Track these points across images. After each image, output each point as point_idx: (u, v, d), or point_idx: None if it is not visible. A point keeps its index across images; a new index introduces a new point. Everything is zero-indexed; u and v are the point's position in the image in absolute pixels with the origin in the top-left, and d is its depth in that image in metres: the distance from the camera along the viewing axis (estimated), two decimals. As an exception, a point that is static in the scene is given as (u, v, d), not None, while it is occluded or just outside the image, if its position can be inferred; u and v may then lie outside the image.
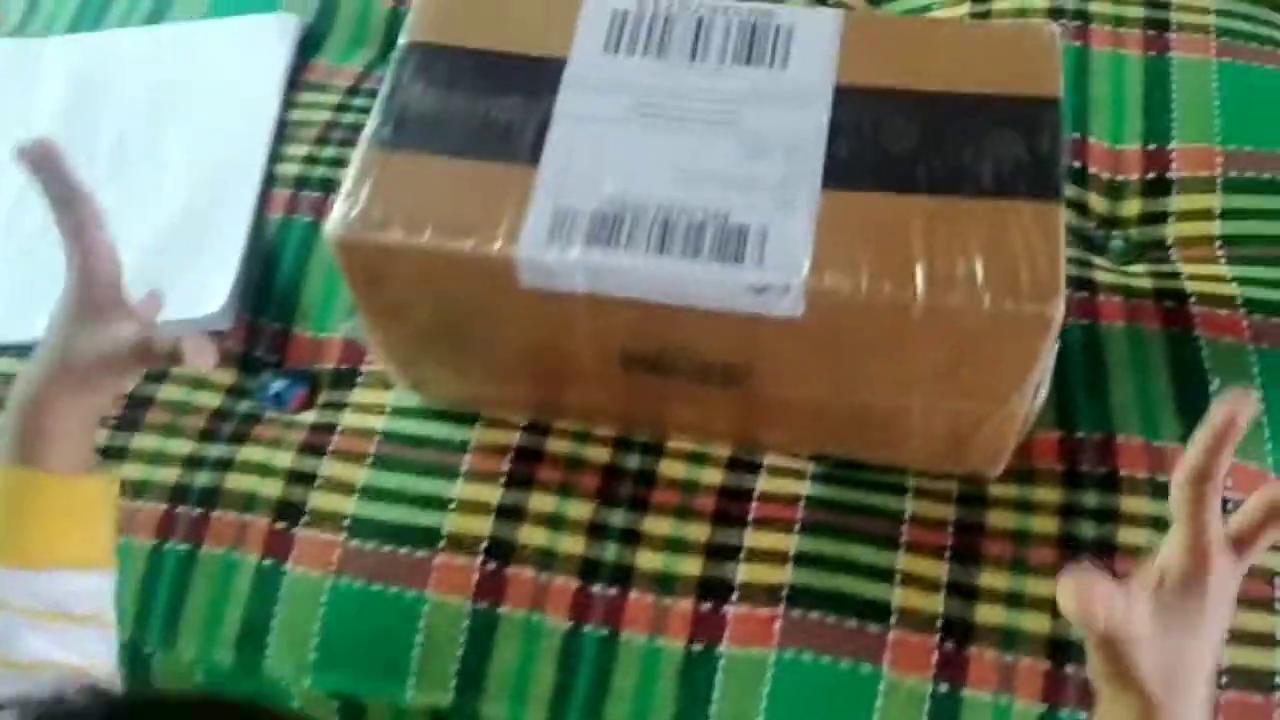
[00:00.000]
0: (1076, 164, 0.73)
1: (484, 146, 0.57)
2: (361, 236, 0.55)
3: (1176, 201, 0.72)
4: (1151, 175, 0.72)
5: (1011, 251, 0.51)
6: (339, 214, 0.55)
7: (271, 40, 0.83)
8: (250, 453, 0.67)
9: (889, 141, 0.55)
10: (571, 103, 0.58)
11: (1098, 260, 0.70)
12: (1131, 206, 0.72)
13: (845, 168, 0.55)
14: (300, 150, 0.78)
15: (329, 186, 0.75)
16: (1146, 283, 0.69)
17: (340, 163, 0.76)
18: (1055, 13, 0.79)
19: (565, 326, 0.57)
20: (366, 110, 0.77)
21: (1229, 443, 0.43)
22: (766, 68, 0.58)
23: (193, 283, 0.70)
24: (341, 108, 0.80)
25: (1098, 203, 0.73)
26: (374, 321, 0.61)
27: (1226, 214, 0.70)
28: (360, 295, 0.59)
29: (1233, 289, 0.67)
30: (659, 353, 0.58)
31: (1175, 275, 0.69)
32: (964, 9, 0.81)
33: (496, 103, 0.58)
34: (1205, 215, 0.71)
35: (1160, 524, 0.56)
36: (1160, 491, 0.60)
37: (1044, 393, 0.57)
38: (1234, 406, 0.43)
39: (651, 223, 0.54)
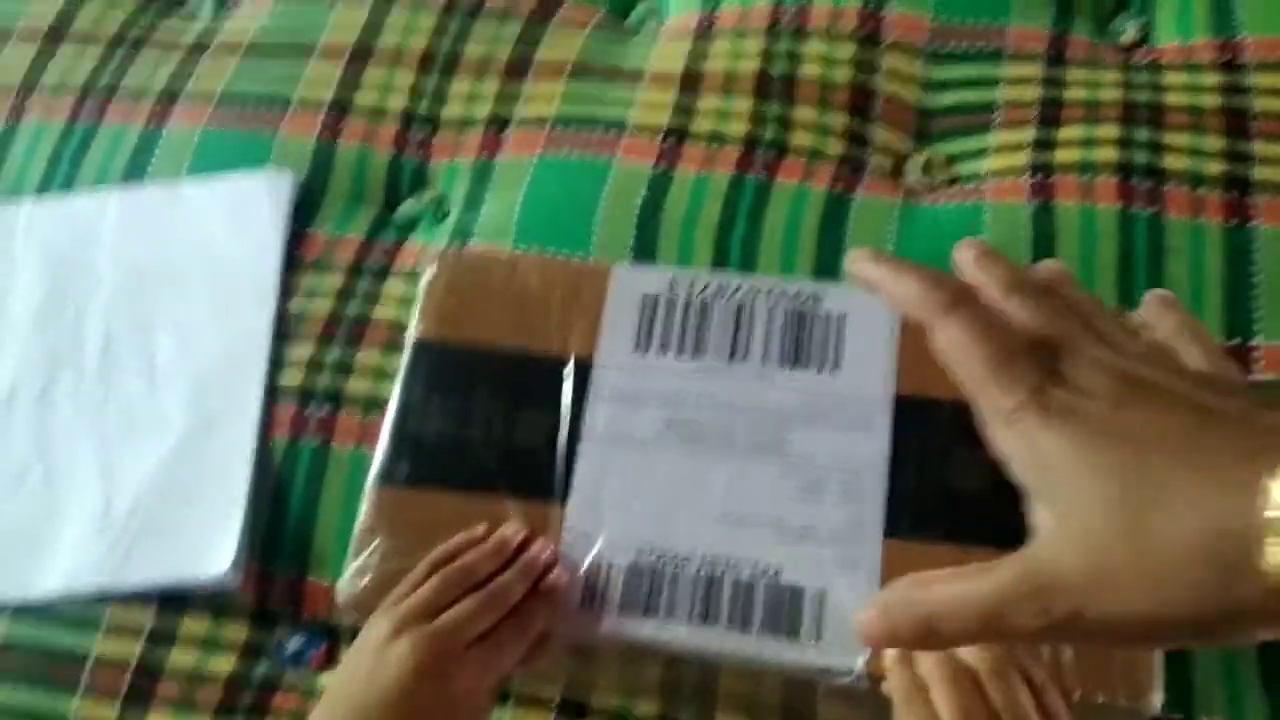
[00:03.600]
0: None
1: (506, 479, 0.51)
2: (375, 598, 0.50)
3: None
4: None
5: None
6: (352, 571, 0.50)
7: (264, 208, 0.76)
8: (272, 728, 0.63)
9: (957, 477, 0.49)
10: (600, 418, 0.52)
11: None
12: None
13: (909, 510, 0.49)
14: (303, 352, 0.72)
15: (337, 400, 0.70)
16: None
17: (346, 369, 0.70)
18: (1123, 169, 0.71)
19: (598, 669, 0.52)
20: (372, 297, 0.73)
21: None
22: (816, 372, 0.52)
23: (195, 536, 0.65)
24: (344, 294, 0.74)
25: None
26: None
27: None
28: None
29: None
30: (701, 688, 0.54)
31: None
32: (1023, 158, 0.73)
33: (518, 419, 0.52)
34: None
35: None
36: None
37: None
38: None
39: (694, 583, 0.49)
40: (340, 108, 0.81)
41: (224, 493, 0.66)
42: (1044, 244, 0.70)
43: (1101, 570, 0.26)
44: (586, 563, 0.49)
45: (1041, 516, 0.28)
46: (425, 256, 0.75)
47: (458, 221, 0.77)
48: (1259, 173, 0.70)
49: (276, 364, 0.71)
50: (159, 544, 0.64)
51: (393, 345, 0.71)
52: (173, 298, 0.74)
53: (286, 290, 0.74)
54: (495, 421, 0.52)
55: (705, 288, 0.54)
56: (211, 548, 0.65)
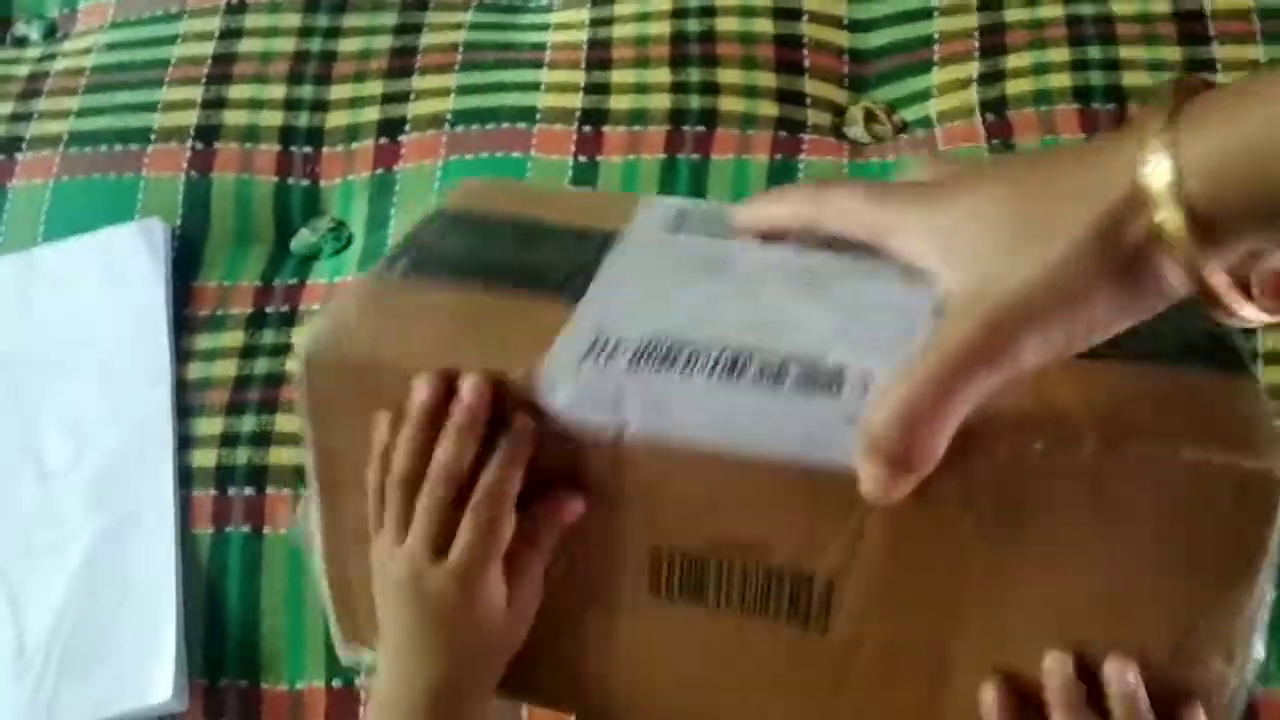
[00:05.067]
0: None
1: (514, 281, 0.43)
2: (344, 356, 0.41)
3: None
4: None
5: (1209, 412, 0.36)
6: (316, 329, 0.41)
7: (139, 264, 0.67)
8: None
9: None
10: (626, 254, 0.43)
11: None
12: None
13: None
14: (211, 426, 0.63)
15: (260, 479, 0.62)
16: None
17: (265, 439, 0.62)
18: (1081, 94, 0.65)
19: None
20: (280, 350, 0.65)
21: None
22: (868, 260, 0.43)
23: (127, 663, 0.57)
24: (249, 351, 0.65)
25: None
26: (332, 502, 0.46)
27: None
28: (322, 455, 0.42)
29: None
30: (709, 553, 0.42)
31: None
32: (972, 95, 0.67)
33: (534, 251, 0.44)
34: None
35: None
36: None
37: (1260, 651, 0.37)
38: None
39: (717, 358, 0.40)
40: (207, 134, 0.71)
41: (151, 606, 0.58)
42: (1010, 189, 0.64)
43: (1019, 275, 0.28)
44: (594, 328, 0.40)
45: (956, 279, 0.30)
46: (334, 295, 0.66)
47: (364, 247, 0.68)
48: (1224, 78, 0.65)
49: (185, 445, 0.63)
50: (87, 680, 0.57)
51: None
52: (53, 385, 0.65)
53: (181, 356, 0.65)
54: (511, 251, 0.44)
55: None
56: (148, 673, 0.57)
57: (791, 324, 0.40)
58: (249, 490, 0.61)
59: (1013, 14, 0.69)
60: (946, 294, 0.30)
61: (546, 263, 0.43)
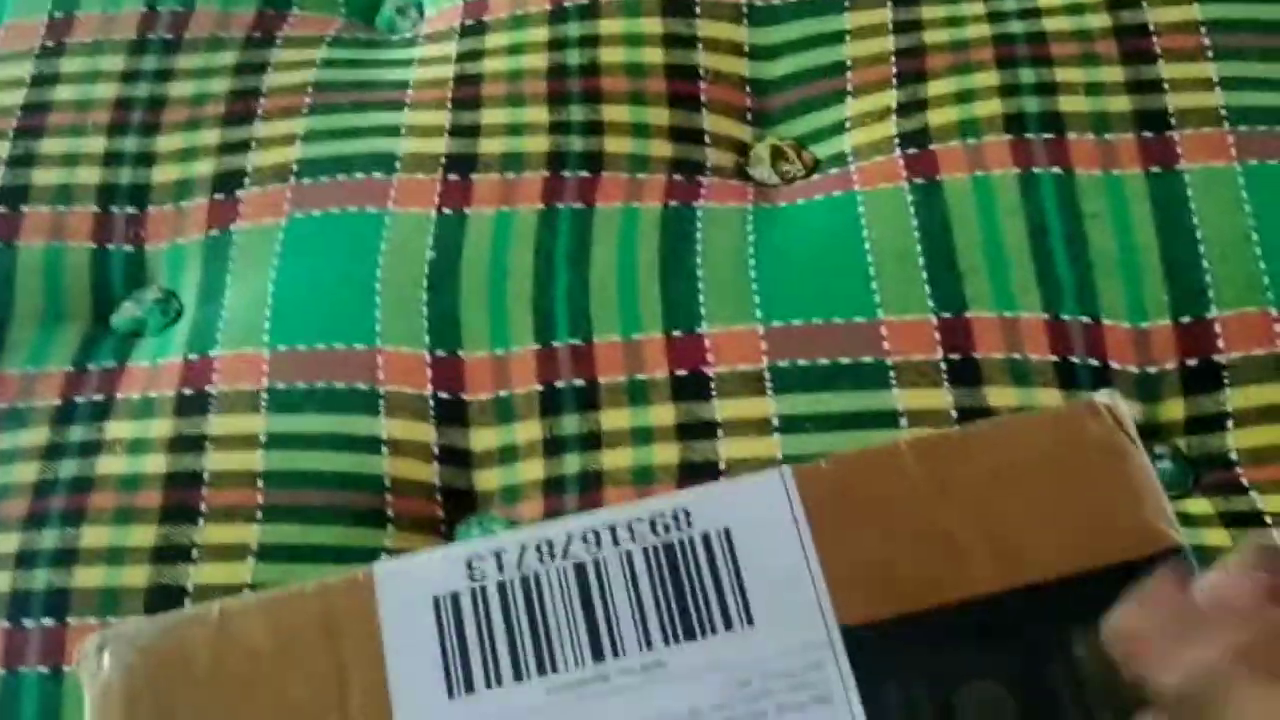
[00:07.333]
0: (1091, 362, 0.54)
1: None
2: None
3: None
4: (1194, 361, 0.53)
5: None
6: None
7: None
8: None
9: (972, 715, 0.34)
10: None
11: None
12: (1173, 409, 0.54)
13: None
14: (8, 543, 0.53)
15: (63, 606, 0.51)
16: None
17: (69, 557, 0.52)
18: (1013, 122, 0.57)
19: None
20: (92, 449, 0.55)
21: None
22: (721, 635, 0.35)
23: None
24: (54, 452, 0.55)
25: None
26: None
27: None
28: None
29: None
30: None
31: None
32: (889, 127, 0.59)
33: None
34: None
35: None
36: None
37: None
38: None
39: None
40: (13, 197, 0.61)
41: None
42: (936, 234, 0.56)
43: None
44: None
45: None
46: (159, 379, 0.56)
47: (194, 322, 0.58)
48: (1174, 101, 0.57)
49: (-28, 570, 0.52)
50: None
51: (127, 510, 0.53)
52: None
53: (-28, 460, 0.55)
54: None
55: (522, 554, 0.36)
56: None
57: None
58: (49, 620, 0.51)
59: (932, 35, 0.61)
60: None
61: None
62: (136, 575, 0.52)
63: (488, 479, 0.54)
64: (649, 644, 0.34)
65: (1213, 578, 0.32)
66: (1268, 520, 0.51)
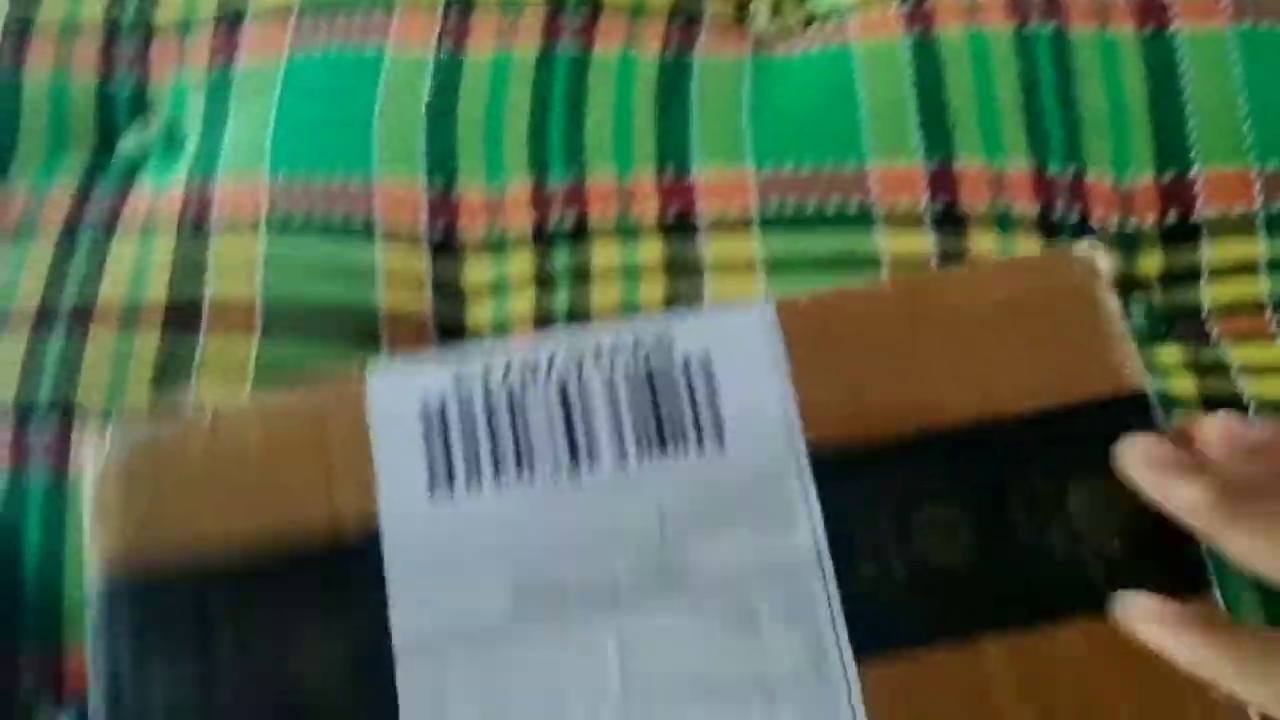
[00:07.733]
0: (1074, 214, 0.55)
1: None
2: None
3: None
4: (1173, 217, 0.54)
5: None
6: None
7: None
8: None
9: (930, 547, 0.35)
10: (411, 613, 0.35)
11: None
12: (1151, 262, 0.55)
13: (879, 611, 0.35)
14: (13, 351, 0.55)
15: (67, 413, 0.53)
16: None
17: (73, 369, 0.54)
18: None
19: None
20: (96, 268, 0.56)
21: None
22: (693, 453, 0.36)
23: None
24: (59, 269, 0.56)
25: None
26: None
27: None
28: None
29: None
30: None
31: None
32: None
33: (286, 651, 0.35)
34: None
35: None
36: None
37: None
38: None
39: None
40: (20, 27, 0.62)
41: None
42: (930, 86, 0.56)
43: None
44: None
45: None
46: (161, 204, 0.58)
47: (197, 151, 0.59)
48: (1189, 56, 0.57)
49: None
50: None
51: (130, 326, 0.54)
52: None
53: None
54: (250, 665, 0.35)
55: (507, 370, 0.37)
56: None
57: (667, 692, 0.34)
58: (53, 428, 0.53)
59: (935, -113, 0.61)
60: None
61: (319, 703, 0.34)
62: (138, 390, 0.53)
63: (479, 312, 0.55)
64: (624, 456, 0.36)
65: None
66: (1233, 370, 0.52)
